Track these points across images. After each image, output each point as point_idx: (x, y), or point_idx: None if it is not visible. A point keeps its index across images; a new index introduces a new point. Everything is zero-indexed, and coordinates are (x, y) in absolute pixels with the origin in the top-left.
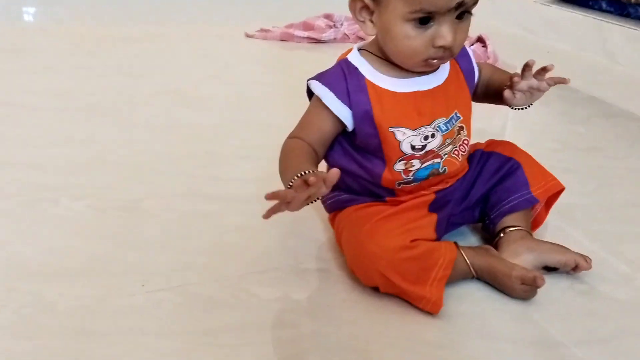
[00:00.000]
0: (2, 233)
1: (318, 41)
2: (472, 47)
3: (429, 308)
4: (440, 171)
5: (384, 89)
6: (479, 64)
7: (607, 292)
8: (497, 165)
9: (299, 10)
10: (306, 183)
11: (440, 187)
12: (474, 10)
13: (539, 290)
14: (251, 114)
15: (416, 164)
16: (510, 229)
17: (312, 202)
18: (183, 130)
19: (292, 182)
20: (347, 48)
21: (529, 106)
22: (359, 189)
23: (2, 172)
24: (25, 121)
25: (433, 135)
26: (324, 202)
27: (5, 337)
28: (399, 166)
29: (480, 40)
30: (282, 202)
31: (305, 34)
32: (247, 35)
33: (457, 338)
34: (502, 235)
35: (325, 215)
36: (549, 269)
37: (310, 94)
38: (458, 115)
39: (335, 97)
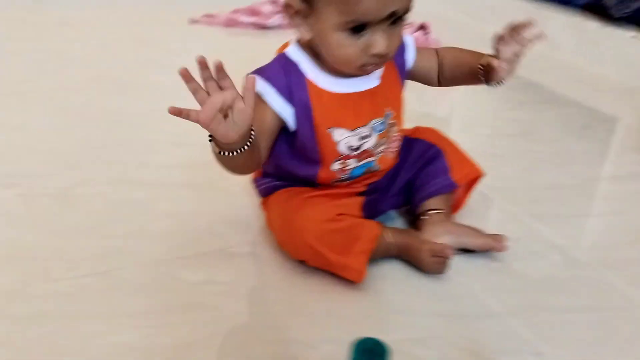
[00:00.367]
0: None
1: (264, 27)
2: (414, 34)
3: (353, 277)
4: (375, 168)
5: (324, 89)
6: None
7: (519, 269)
8: (421, 152)
9: None
10: (220, 88)
11: (372, 180)
12: None
13: (456, 268)
14: (190, 100)
15: (352, 163)
16: (431, 212)
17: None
18: (117, 117)
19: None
20: (294, 34)
21: (503, 82)
22: (294, 182)
23: None
24: None
25: (369, 136)
26: (256, 187)
27: None
28: (336, 166)
29: (422, 27)
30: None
31: (251, 19)
32: (192, 21)
33: (374, 313)
34: (422, 218)
35: (257, 202)
36: (467, 251)
37: None
38: (391, 111)
39: (277, 94)
